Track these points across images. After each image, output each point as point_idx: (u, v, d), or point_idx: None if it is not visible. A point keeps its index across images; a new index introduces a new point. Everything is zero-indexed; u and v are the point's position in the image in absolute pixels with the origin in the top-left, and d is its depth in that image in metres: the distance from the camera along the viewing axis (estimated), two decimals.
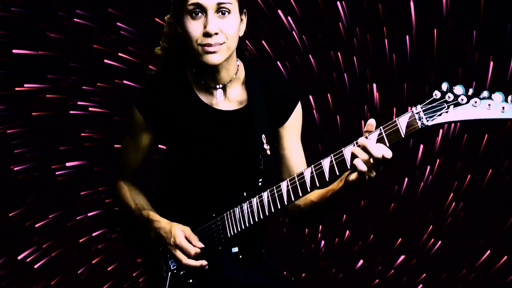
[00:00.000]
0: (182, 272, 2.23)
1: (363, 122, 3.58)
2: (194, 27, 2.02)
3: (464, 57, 3.49)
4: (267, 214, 2.05)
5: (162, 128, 2.21)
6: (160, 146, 3.13)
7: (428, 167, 3.71)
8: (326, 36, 3.66)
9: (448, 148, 3.67)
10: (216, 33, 2.01)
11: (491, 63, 3.42)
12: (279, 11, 3.62)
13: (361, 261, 3.84)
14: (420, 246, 3.78)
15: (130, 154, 2.30)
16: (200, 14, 2.01)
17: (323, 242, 3.85)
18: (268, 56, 3.69)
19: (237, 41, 2.08)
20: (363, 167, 1.80)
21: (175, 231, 2.18)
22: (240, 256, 2.19)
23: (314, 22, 3.65)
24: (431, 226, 3.77)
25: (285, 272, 3.78)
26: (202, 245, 2.17)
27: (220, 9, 2.01)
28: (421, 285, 3.77)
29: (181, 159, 2.22)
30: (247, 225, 2.10)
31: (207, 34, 2.00)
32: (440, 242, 3.75)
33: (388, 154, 1.80)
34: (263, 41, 3.67)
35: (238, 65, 2.19)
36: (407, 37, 3.55)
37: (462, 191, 3.69)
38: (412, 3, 3.47)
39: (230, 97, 2.19)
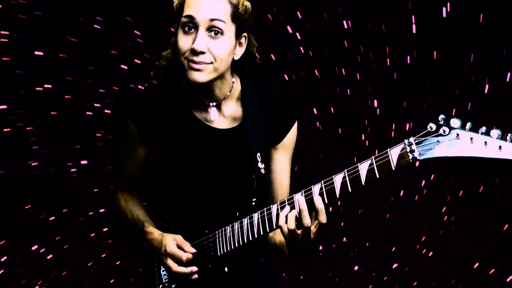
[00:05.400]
0: (174, 286, 2.19)
1: (363, 136, 3.53)
2: (184, 41, 1.94)
3: (462, 77, 3.52)
4: (256, 236, 1.99)
5: (157, 141, 2.17)
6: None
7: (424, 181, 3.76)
8: (331, 52, 3.70)
9: (442, 163, 3.63)
10: (203, 52, 1.92)
11: (487, 85, 3.45)
12: (288, 27, 3.65)
13: (356, 267, 3.87)
14: (413, 254, 3.82)
15: (127, 165, 2.26)
16: (192, 29, 1.93)
17: (320, 247, 3.82)
18: (275, 69, 3.71)
19: (227, 64, 1.98)
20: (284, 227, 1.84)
21: (166, 240, 2.12)
22: (230, 277, 2.13)
23: (321, 39, 3.67)
24: (424, 237, 3.82)
25: (283, 274, 3.81)
26: (194, 250, 2.12)
27: (212, 28, 1.91)
28: None
29: (176, 172, 2.18)
30: (237, 245, 2.04)
31: (193, 51, 1.91)
32: (431, 252, 3.80)
33: (320, 205, 1.78)
34: (271, 55, 3.70)
35: (233, 82, 2.09)
36: (408, 57, 3.58)
37: (455, 204, 3.72)
38: (413, 25, 3.51)
39: (225, 114, 2.10)
